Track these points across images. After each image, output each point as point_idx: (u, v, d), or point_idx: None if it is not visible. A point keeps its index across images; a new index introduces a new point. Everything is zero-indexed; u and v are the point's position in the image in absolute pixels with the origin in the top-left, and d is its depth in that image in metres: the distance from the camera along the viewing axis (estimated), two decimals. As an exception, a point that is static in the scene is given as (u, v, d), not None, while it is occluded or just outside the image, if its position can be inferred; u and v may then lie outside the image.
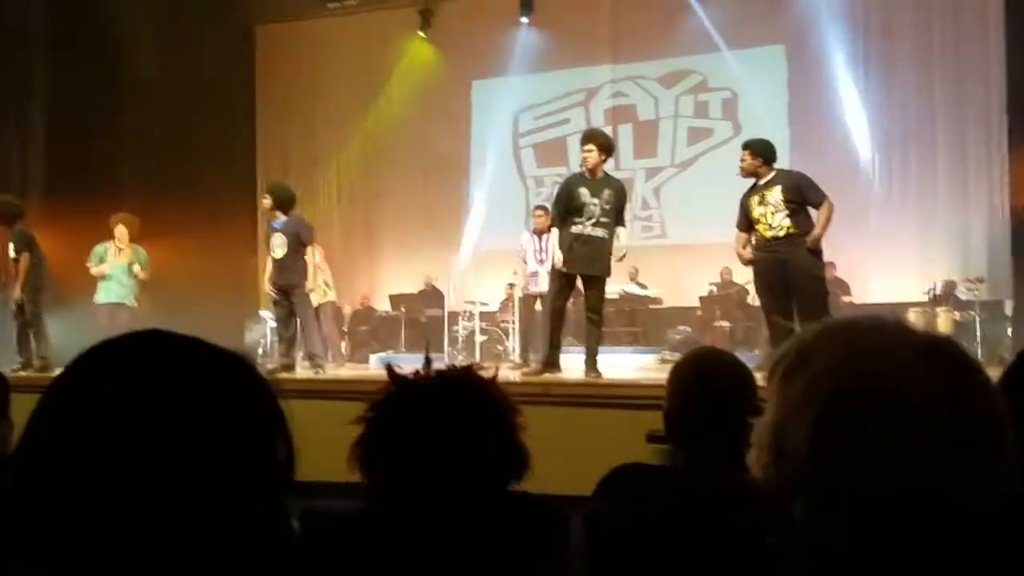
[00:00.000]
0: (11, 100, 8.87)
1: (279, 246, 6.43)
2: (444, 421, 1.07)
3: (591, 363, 5.48)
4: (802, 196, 5.18)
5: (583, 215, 5.44)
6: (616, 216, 5.57)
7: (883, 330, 0.68)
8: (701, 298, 9.82)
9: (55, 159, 9.00)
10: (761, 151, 5.34)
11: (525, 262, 7.99)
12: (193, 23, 9.53)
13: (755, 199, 5.27)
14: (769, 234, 5.19)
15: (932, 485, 0.61)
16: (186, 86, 9.54)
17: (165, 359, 0.61)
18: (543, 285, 7.31)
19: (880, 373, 0.64)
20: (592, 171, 5.53)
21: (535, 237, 7.76)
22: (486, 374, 1.17)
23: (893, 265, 9.42)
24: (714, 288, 9.86)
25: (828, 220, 5.14)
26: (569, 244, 5.46)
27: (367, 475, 1.10)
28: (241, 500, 0.59)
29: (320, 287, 8.25)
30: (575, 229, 5.45)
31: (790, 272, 5.10)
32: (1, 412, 2.13)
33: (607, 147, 5.66)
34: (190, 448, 0.57)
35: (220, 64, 10.22)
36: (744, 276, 9.46)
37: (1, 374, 2.21)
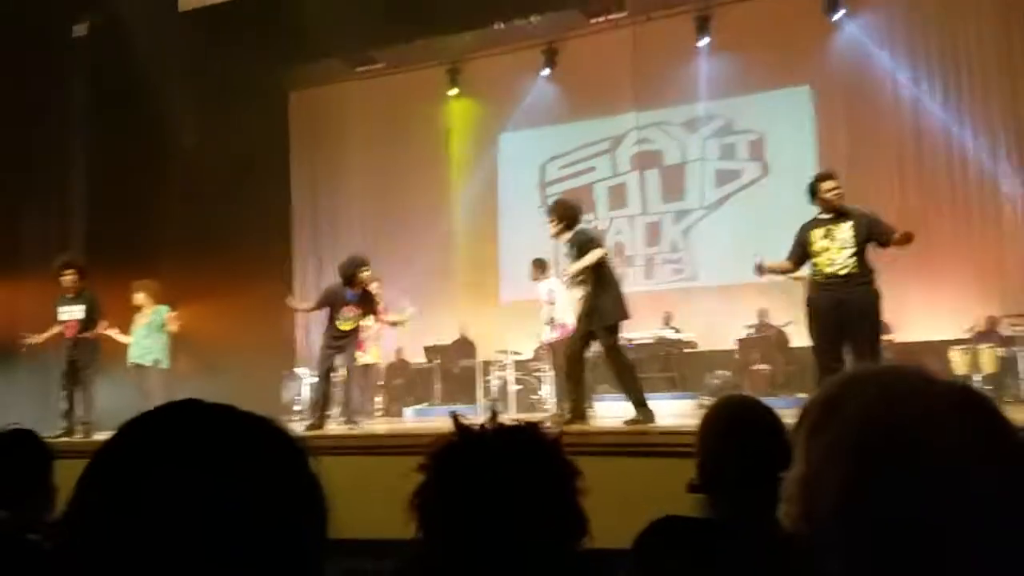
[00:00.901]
0: (52, 168, 9.20)
1: (350, 319, 6.57)
2: (509, 477, 1.06)
3: (637, 408, 5.38)
4: (875, 234, 5.01)
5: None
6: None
7: (907, 381, 0.67)
8: (739, 341, 9.69)
9: (95, 224, 9.28)
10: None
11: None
12: (229, 91, 9.86)
13: (819, 232, 5.08)
14: (829, 270, 5.01)
15: (963, 538, 0.60)
16: (222, 152, 9.82)
17: (200, 428, 0.64)
18: (545, 334, 7.42)
19: (906, 425, 0.64)
20: (558, 238, 5.79)
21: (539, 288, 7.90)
22: (551, 433, 1.15)
23: (934, 303, 9.24)
24: (751, 330, 9.74)
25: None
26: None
27: (424, 525, 1.09)
28: (278, 565, 0.60)
29: (375, 348, 8.45)
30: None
31: (847, 312, 4.94)
32: (44, 482, 2.15)
33: (562, 215, 5.77)
34: (226, 514, 0.59)
35: (255, 129, 10.51)
36: (782, 317, 9.37)
37: (45, 445, 2.23)
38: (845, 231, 5.01)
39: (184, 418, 0.65)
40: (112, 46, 9.15)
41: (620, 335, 5.73)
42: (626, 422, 5.33)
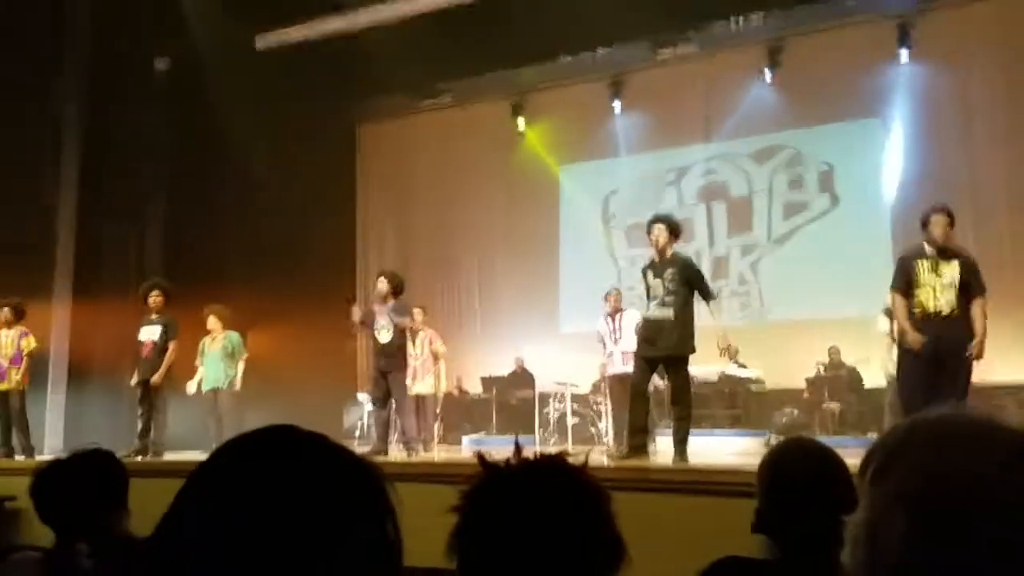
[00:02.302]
0: (131, 195, 9.63)
1: (385, 329, 6.66)
2: (537, 511, 1.06)
3: (678, 449, 5.38)
4: (973, 281, 4.95)
5: (649, 297, 5.60)
6: (689, 291, 5.51)
7: (974, 426, 0.67)
8: (807, 379, 9.40)
9: (171, 250, 9.66)
10: (952, 218, 5.09)
11: (604, 344, 7.95)
12: (300, 125, 10.20)
13: (926, 264, 4.98)
14: (932, 307, 4.92)
15: None
16: (292, 182, 10.15)
17: (294, 455, 0.67)
18: (618, 365, 7.27)
19: (972, 470, 0.63)
20: (661, 252, 5.64)
21: (610, 319, 7.75)
22: (577, 460, 1.15)
23: (1001, 344, 8.74)
24: (822, 368, 9.43)
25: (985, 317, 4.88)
26: (640, 328, 5.75)
27: (462, 567, 1.09)
28: None
29: (433, 378, 8.49)
30: (644, 313, 5.68)
31: (944, 350, 4.85)
32: (120, 500, 2.21)
33: (677, 228, 5.76)
34: (315, 538, 0.62)
35: (324, 162, 10.84)
36: (855, 355, 9.06)
37: (122, 464, 2.28)
38: (953, 270, 4.93)
39: (282, 444, 0.68)
40: (191, 80, 9.59)
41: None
42: (675, 462, 5.32)
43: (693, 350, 5.57)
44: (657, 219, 5.79)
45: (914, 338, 4.93)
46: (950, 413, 0.70)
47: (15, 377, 7.35)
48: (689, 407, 5.56)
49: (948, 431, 0.68)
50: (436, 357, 8.69)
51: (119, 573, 1.85)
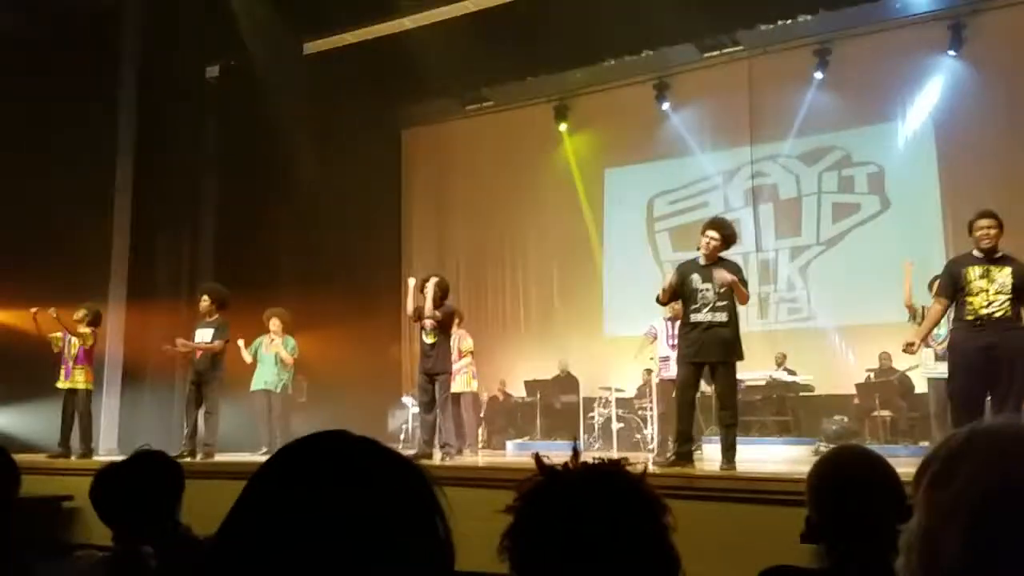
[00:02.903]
0: (184, 202, 9.87)
1: (430, 332, 6.74)
2: (594, 516, 1.05)
3: (726, 456, 5.29)
4: None
5: (696, 302, 5.46)
6: (732, 297, 5.45)
7: None
8: (857, 385, 9.18)
9: (222, 255, 9.86)
10: (1001, 223, 4.99)
11: (656, 345, 7.86)
12: (347, 129, 10.34)
13: (977, 270, 4.90)
14: (984, 311, 4.83)
15: None
16: (339, 187, 10.28)
17: (347, 459, 0.69)
18: (674, 370, 7.17)
19: None
20: (709, 256, 5.55)
21: (668, 323, 7.67)
22: (635, 469, 1.14)
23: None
24: (871, 374, 9.21)
25: None
26: (687, 332, 5.53)
27: (515, 567, 1.08)
28: None
29: (465, 376, 8.45)
30: (691, 317, 5.51)
31: (997, 355, 4.74)
32: (178, 500, 2.26)
33: (731, 237, 5.63)
34: (370, 541, 0.64)
35: (370, 167, 10.97)
36: (907, 361, 8.82)
37: (179, 466, 2.34)
38: (1005, 276, 4.85)
39: (336, 448, 0.70)
40: (241, 86, 9.79)
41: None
42: (723, 469, 5.23)
43: (742, 356, 5.52)
44: (715, 225, 5.69)
45: (912, 349, 5.19)
46: (1011, 423, 0.69)
47: (80, 377, 7.57)
48: (736, 413, 5.48)
49: (1006, 442, 0.67)
50: (461, 354, 8.71)
51: (183, 573, 1.89)
